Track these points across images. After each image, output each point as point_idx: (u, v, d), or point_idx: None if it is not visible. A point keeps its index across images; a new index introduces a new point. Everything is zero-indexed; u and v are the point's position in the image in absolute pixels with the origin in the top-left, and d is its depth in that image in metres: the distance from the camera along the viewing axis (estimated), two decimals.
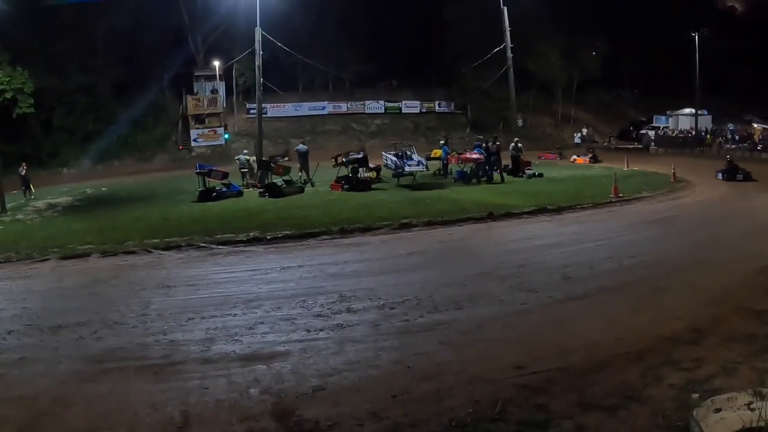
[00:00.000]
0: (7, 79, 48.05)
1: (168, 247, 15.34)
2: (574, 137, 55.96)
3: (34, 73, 49.67)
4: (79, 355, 8.14)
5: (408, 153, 26.58)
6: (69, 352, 8.32)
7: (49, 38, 50.91)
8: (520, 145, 29.95)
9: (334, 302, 9.62)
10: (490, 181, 26.19)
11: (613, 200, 20.65)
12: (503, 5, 32.62)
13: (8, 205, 27.10)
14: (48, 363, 7.96)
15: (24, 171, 32.22)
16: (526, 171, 28.85)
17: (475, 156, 27.06)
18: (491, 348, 7.61)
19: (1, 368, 7.89)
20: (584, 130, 57.16)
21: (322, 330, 8.41)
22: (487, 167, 26.73)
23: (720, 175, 27.27)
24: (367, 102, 58.13)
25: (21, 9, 43.97)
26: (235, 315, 9.40)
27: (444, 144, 30.72)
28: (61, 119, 53.39)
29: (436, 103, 59.77)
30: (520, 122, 38.34)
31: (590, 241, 14.47)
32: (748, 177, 26.45)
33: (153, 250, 15.18)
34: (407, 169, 25.29)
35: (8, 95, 48.03)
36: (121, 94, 54.37)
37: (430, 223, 16.42)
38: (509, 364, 6.96)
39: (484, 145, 27.86)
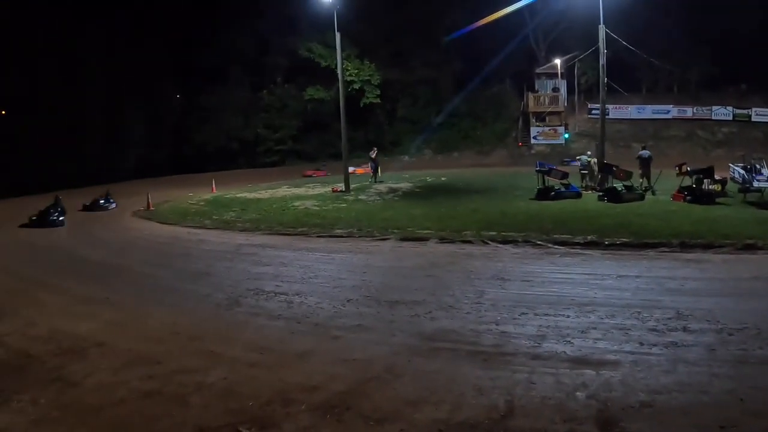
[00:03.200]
0: (356, 71, 54.48)
1: (505, 241, 15.94)
2: None
3: (380, 66, 55.56)
4: (413, 331, 8.91)
5: (758, 167, 24.20)
6: (403, 326, 9.17)
7: (394, 34, 56.03)
8: None
9: (670, 318, 9.16)
10: None
11: None
12: None
13: (352, 186, 30.42)
14: (383, 333, 8.91)
15: (374, 154, 35.73)
16: None
17: None
18: None
19: (338, 331, 9.08)
20: None
21: (655, 345, 8.10)
22: None
23: None
24: (713, 107, 53.96)
25: (368, 7, 49.00)
26: (567, 316, 9.42)
27: None
28: (404, 110, 58.75)
29: None
30: None
31: None
32: None
33: (490, 242, 15.93)
34: (756, 184, 23.13)
35: (356, 86, 54.45)
36: (462, 88, 57.64)
37: None
38: None
39: None
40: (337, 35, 30.98)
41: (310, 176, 43.96)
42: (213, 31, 54.94)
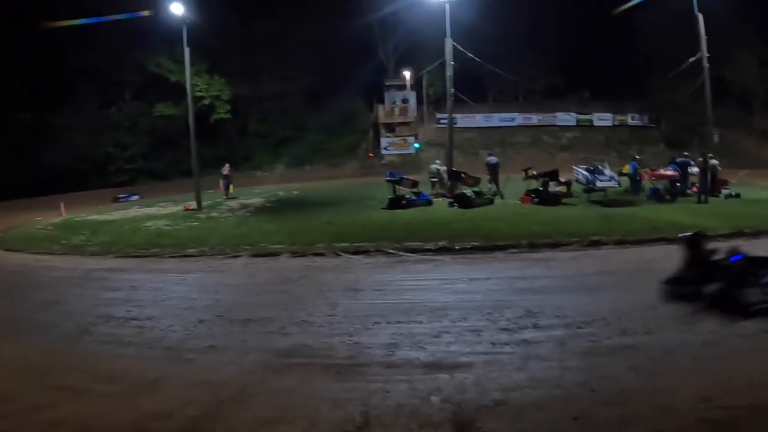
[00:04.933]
0: (206, 86, 53.55)
1: (357, 252, 16.03)
2: None
3: (231, 81, 54.85)
4: (266, 349, 8.76)
5: (600, 168, 25.86)
6: (256, 344, 9.00)
7: (245, 49, 55.69)
8: (716, 162, 27.61)
9: (520, 317, 9.48)
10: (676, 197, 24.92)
11: None
12: (698, 12, 30.27)
13: (204, 203, 29.81)
14: (236, 353, 8.68)
15: (227, 171, 35.18)
16: (723, 191, 26.68)
17: (669, 173, 25.82)
18: (679, 377, 7.14)
19: (191, 354, 8.80)
20: None
21: (507, 344, 8.34)
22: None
23: None
24: (558, 114, 57.14)
25: (218, 21, 48.31)
26: (420, 322, 9.55)
27: (633, 159, 29.42)
28: (255, 125, 58.42)
29: (629, 116, 57.32)
30: (716, 138, 35.00)
31: None
32: None
33: (342, 254, 15.96)
34: (598, 184, 24.65)
35: (206, 102, 53.45)
36: (312, 102, 58.09)
37: (620, 242, 15.74)
38: (697, 396, 6.57)
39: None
40: (186, 50, 30.25)
41: None
42: (59, 46, 52.00)
